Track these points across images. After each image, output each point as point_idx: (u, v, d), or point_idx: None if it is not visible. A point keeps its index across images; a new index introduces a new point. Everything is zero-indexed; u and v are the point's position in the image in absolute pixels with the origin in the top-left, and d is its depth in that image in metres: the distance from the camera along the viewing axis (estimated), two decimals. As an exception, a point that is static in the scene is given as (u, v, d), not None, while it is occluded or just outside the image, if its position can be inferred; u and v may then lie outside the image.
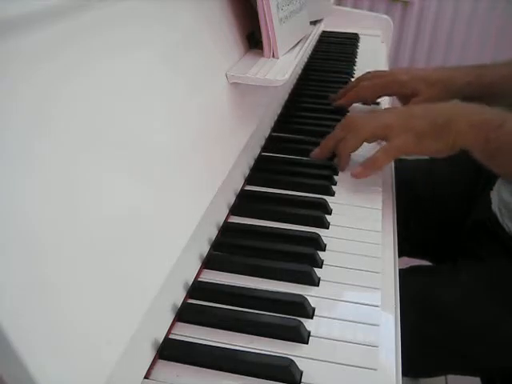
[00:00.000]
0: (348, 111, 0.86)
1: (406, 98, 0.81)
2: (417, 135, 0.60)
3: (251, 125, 0.62)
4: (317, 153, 0.69)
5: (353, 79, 1.00)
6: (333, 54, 1.16)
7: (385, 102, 0.91)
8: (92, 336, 0.29)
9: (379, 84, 0.82)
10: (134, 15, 0.41)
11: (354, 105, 0.87)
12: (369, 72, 0.87)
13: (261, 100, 0.68)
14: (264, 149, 0.72)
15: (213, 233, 0.52)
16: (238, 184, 0.61)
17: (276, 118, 0.81)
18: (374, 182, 0.65)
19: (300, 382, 0.37)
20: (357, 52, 1.19)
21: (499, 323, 0.65)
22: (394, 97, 0.87)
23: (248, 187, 0.63)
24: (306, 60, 1.09)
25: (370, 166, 0.62)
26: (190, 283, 0.45)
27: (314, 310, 0.44)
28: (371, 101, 0.87)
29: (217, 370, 0.38)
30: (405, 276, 0.54)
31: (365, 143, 0.65)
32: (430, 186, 0.90)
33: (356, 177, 0.63)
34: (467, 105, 0.63)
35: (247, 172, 0.64)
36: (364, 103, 0.88)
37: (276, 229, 0.54)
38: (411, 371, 0.72)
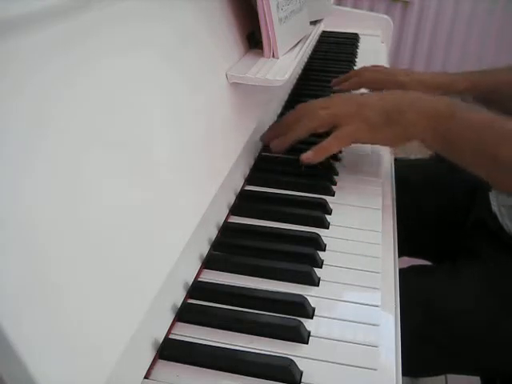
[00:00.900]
0: None
1: None
2: (368, 123, 0.60)
3: (251, 125, 0.62)
4: (265, 138, 0.69)
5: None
6: (333, 54, 1.16)
7: None
8: (92, 336, 0.29)
9: (380, 79, 0.83)
10: (134, 15, 0.41)
11: None
12: (375, 65, 0.87)
13: (261, 100, 0.68)
14: (264, 149, 0.72)
15: (213, 233, 0.52)
16: (238, 184, 0.61)
17: (276, 118, 0.81)
18: (374, 182, 0.65)
19: (300, 382, 0.37)
20: (357, 52, 1.19)
21: (499, 323, 0.65)
22: None
23: (248, 187, 0.63)
24: (306, 60, 1.09)
25: (321, 151, 0.62)
26: (190, 283, 0.45)
27: (314, 309, 0.44)
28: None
29: (217, 370, 0.38)
30: (405, 276, 0.54)
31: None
32: (430, 185, 0.90)
33: (305, 161, 0.62)
34: (419, 94, 0.62)
35: (247, 172, 0.64)
36: None
37: (276, 229, 0.54)
38: (411, 371, 0.72)
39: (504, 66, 0.82)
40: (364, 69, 0.88)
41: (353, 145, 0.71)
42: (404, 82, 0.80)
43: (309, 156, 0.62)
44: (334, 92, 0.91)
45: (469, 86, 0.78)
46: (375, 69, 0.86)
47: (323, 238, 0.53)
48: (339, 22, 1.32)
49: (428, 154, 0.99)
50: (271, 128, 0.68)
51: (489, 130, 0.57)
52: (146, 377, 0.37)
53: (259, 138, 0.69)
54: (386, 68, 0.90)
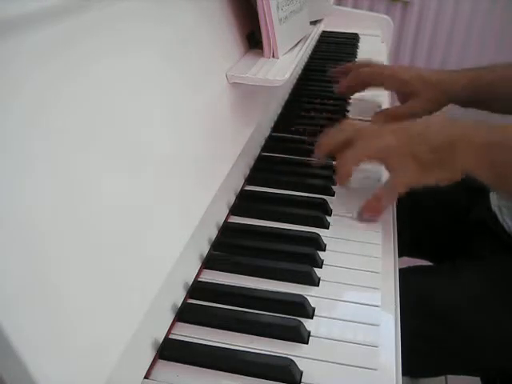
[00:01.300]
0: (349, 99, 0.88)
1: (404, 96, 0.81)
2: (420, 166, 0.56)
3: (251, 125, 0.62)
4: (316, 155, 0.64)
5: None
6: (333, 54, 1.16)
7: (385, 98, 0.91)
8: (92, 336, 0.29)
9: (379, 73, 0.82)
10: (134, 15, 0.41)
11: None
12: (372, 62, 0.87)
13: (261, 100, 0.68)
14: (264, 149, 0.72)
15: (213, 233, 0.52)
16: (238, 184, 0.61)
17: (276, 118, 0.81)
18: (374, 183, 0.65)
19: (300, 382, 0.37)
20: (357, 52, 1.19)
21: (499, 323, 0.65)
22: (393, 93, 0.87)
23: (248, 187, 0.62)
24: (306, 60, 1.09)
25: (376, 208, 0.58)
26: (190, 283, 0.45)
27: (314, 310, 0.44)
28: (365, 87, 0.86)
29: (217, 370, 0.38)
30: (405, 276, 0.54)
31: None
32: (430, 186, 0.89)
33: (362, 220, 0.58)
34: (466, 124, 0.58)
35: (247, 172, 0.64)
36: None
37: (276, 229, 0.54)
38: (411, 371, 0.72)
39: (504, 62, 0.82)
40: (359, 64, 0.86)
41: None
42: (405, 80, 0.80)
43: (365, 215, 0.58)
44: (333, 92, 0.91)
45: (467, 83, 0.78)
46: (373, 64, 0.86)
47: (323, 237, 0.53)
48: (339, 22, 1.32)
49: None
50: (319, 147, 0.63)
51: None
52: (146, 377, 0.37)
53: (311, 163, 0.65)
54: (384, 66, 0.90)
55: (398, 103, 0.85)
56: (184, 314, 0.42)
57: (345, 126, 0.64)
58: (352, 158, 0.59)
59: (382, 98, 0.91)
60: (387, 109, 0.86)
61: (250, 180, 0.64)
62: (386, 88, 0.87)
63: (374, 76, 0.83)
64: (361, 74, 0.84)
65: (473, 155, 0.55)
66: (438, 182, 0.57)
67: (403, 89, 0.81)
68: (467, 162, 0.55)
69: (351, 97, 0.91)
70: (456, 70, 0.82)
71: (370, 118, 0.81)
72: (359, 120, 0.83)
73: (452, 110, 0.83)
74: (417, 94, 0.79)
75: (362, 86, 0.86)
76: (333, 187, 0.63)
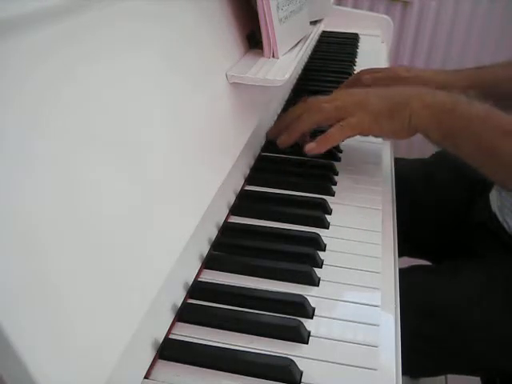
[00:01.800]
0: None
1: None
2: (373, 114, 0.60)
3: (251, 124, 0.62)
4: (270, 132, 0.70)
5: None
6: (333, 54, 1.16)
7: None
8: (92, 336, 0.29)
9: (380, 78, 0.83)
10: (134, 15, 0.41)
11: None
12: (372, 68, 0.87)
13: (261, 100, 0.68)
14: (264, 149, 0.72)
15: (213, 233, 0.52)
16: (238, 184, 0.61)
17: (276, 117, 0.81)
18: (374, 182, 0.65)
19: (300, 382, 0.37)
20: (357, 52, 1.19)
21: (499, 323, 0.65)
22: None
23: (248, 187, 0.62)
24: (306, 60, 1.09)
25: (324, 142, 0.62)
26: (190, 283, 0.45)
27: (314, 310, 0.44)
28: None
29: (217, 370, 0.38)
30: (405, 276, 0.54)
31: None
32: (430, 186, 0.90)
33: (309, 152, 0.63)
34: (422, 87, 0.63)
35: (247, 172, 0.64)
36: None
37: (276, 229, 0.54)
38: (411, 371, 0.72)
39: (503, 61, 0.82)
40: (362, 72, 0.87)
41: (353, 145, 0.71)
42: (406, 78, 0.80)
43: (313, 146, 0.62)
44: (334, 89, 0.91)
45: (466, 85, 0.78)
46: (373, 70, 0.86)
47: (323, 237, 0.53)
48: (339, 22, 1.32)
49: (428, 155, 0.99)
50: (276, 123, 0.69)
51: (488, 125, 0.57)
52: (146, 377, 0.37)
53: (265, 134, 0.69)
54: (383, 68, 0.90)
55: None
56: (184, 314, 0.42)
57: (302, 102, 0.67)
58: (306, 119, 0.63)
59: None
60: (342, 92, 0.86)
61: (250, 180, 0.64)
62: None
63: (376, 81, 0.83)
64: (363, 82, 0.84)
65: (422, 114, 0.59)
66: (388, 133, 0.61)
67: None
68: (417, 118, 0.59)
69: None
70: (455, 70, 0.82)
71: None
72: None
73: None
74: None
75: None
76: (333, 187, 0.63)
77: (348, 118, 0.61)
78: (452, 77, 0.80)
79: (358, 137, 0.69)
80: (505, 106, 0.81)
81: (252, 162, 0.67)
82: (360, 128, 0.61)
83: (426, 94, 0.60)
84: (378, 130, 0.62)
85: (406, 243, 0.71)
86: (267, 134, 0.70)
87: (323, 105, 0.63)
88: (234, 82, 0.56)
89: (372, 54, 1.18)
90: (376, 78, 0.83)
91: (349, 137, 0.63)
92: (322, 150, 0.63)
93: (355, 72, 1.06)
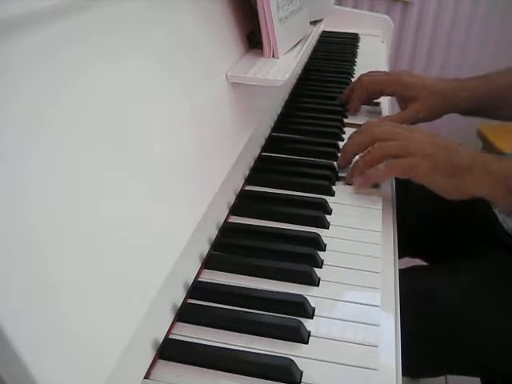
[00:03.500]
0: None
1: (405, 101, 0.81)
2: (434, 166, 0.57)
3: (251, 125, 0.62)
4: (341, 162, 0.67)
5: (353, 79, 1.00)
6: (333, 54, 1.16)
7: (384, 102, 0.91)
8: (92, 336, 0.29)
9: (381, 79, 0.83)
10: (134, 15, 0.41)
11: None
12: (373, 71, 0.87)
13: (261, 100, 0.68)
14: (264, 149, 0.72)
15: (213, 233, 0.52)
16: (238, 184, 0.61)
17: (276, 117, 0.81)
18: (373, 183, 0.65)
19: (300, 382, 0.37)
20: (357, 52, 1.19)
21: (499, 323, 0.65)
22: (393, 98, 0.87)
23: (248, 187, 0.62)
24: (306, 60, 1.09)
25: (371, 179, 0.61)
26: (190, 283, 0.45)
27: (314, 310, 0.44)
28: (372, 96, 0.87)
29: (217, 370, 0.38)
30: (405, 276, 0.54)
31: None
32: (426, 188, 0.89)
33: (353, 185, 0.62)
34: (487, 155, 0.61)
35: (247, 172, 0.64)
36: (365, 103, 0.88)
37: (276, 229, 0.54)
38: (411, 371, 0.72)
39: (503, 68, 0.82)
40: (361, 76, 0.87)
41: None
42: (407, 83, 0.80)
43: (358, 181, 0.61)
44: (334, 89, 0.91)
45: (468, 95, 0.79)
46: (374, 73, 0.86)
47: (323, 238, 0.53)
48: (339, 22, 1.32)
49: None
50: (344, 153, 0.66)
51: None
52: (146, 377, 0.37)
53: (337, 167, 0.67)
54: (386, 71, 0.91)
55: (397, 105, 0.85)
56: (184, 314, 0.42)
57: (366, 129, 0.64)
58: (372, 157, 0.60)
59: (382, 99, 0.91)
60: (388, 116, 0.86)
61: (250, 180, 0.64)
62: (387, 93, 0.87)
63: (374, 83, 0.83)
64: (363, 82, 0.84)
65: (487, 183, 0.57)
66: (441, 189, 0.58)
67: (404, 92, 0.81)
68: (479, 187, 0.57)
69: None
70: (457, 79, 0.82)
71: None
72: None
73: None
74: (417, 99, 0.79)
75: (368, 95, 0.86)
76: (333, 187, 0.63)
77: (408, 157, 0.58)
78: (452, 85, 0.80)
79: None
80: (506, 115, 0.82)
81: (252, 162, 0.67)
82: (413, 173, 0.58)
83: (491, 162, 0.58)
84: (433, 183, 0.58)
85: (406, 243, 0.71)
86: (339, 167, 0.67)
87: (398, 144, 0.59)
88: (234, 82, 0.56)
89: (372, 54, 1.18)
90: (376, 79, 0.83)
91: (397, 176, 0.60)
92: (366, 185, 0.61)
93: (355, 72, 1.06)
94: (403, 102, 0.82)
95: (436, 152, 0.58)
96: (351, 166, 0.65)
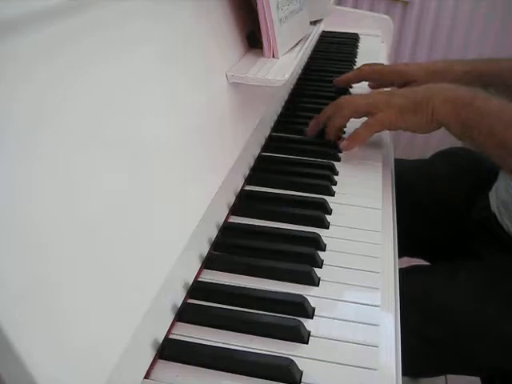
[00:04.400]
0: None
1: (403, 86, 0.82)
2: (398, 110, 0.65)
3: (251, 125, 0.62)
4: (309, 130, 0.75)
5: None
6: (333, 54, 1.16)
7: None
8: (92, 336, 0.29)
9: (378, 69, 0.86)
10: (134, 15, 0.41)
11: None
12: (375, 63, 0.90)
13: (261, 100, 0.68)
14: (264, 149, 0.72)
15: (213, 233, 0.52)
16: (238, 184, 0.60)
17: (276, 117, 0.81)
18: (373, 182, 0.65)
19: (300, 382, 0.37)
20: (357, 52, 1.19)
21: (499, 323, 0.65)
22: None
23: (248, 187, 0.62)
24: (306, 60, 1.09)
25: (355, 139, 0.68)
26: (190, 283, 0.45)
27: (314, 310, 0.44)
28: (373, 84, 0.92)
29: (217, 369, 0.38)
30: (405, 276, 0.54)
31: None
32: (430, 186, 0.90)
33: (344, 149, 0.69)
34: (443, 84, 0.67)
35: (247, 172, 0.64)
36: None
37: (276, 229, 0.54)
38: (411, 371, 0.72)
39: (504, 57, 0.83)
40: (363, 65, 0.90)
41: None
42: (404, 70, 0.82)
43: (345, 144, 0.69)
44: (335, 91, 0.92)
45: (470, 69, 0.80)
46: (374, 63, 0.89)
47: (323, 238, 0.53)
48: (339, 22, 1.32)
49: (428, 155, 0.99)
50: (312, 123, 0.75)
51: (500, 117, 0.60)
52: (145, 377, 0.37)
53: (306, 134, 0.75)
54: (383, 64, 0.93)
55: None
56: (184, 314, 0.42)
57: (335, 101, 0.73)
58: (339, 116, 0.70)
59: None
60: (369, 92, 0.88)
61: (250, 180, 0.64)
62: (386, 83, 0.88)
63: (373, 72, 0.86)
64: (360, 73, 0.86)
65: (443, 108, 0.63)
66: (411, 126, 0.66)
67: (402, 79, 0.83)
68: (438, 112, 0.63)
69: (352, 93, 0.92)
70: (456, 59, 0.84)
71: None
72: None
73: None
74: (415, 82, 0.80)
75: (359, 81, 0.91)
76: (333, 187, 0.63)
77: (375, 114, 0.66)
78: (450, 64, 0.82)
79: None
80: (507, 95, 0.82)
81: (252, 162, 0.67)
82: (388, 123, 0.66)
83: (447, 90, 0.64)
84: (404, 125, 0.66)
85: (406, 243, 0.71)
86: (306, 134, 0.75)
87: (352, 104, 0.69)
88: (234, 82, 0.56)
89: (372, 54, 1.18)
90: (375, 69, 0.86)
91: (377, 131, 0.68)
92: (354, 146, 0.69)
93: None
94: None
95: (396, 99, 0.66)
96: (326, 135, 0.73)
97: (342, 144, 0.69)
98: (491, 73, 0.80)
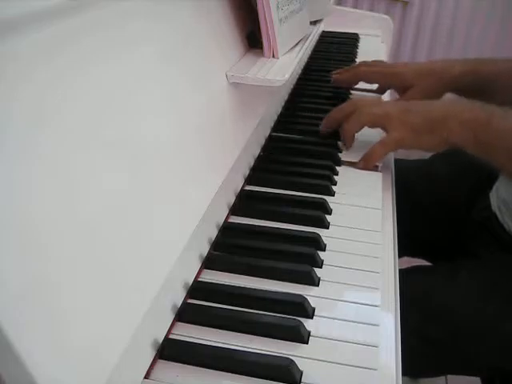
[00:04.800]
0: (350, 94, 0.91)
1: (402, 90, 0.82)
2: (413, 130, 0.64)
3: (251, 124, 0.62)
4: (323, 126, 0.75)
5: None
6: (333, 54, 1.16)
7: (385, 95, 0.92)
8: (92, 336, 0.29)
9: (376, 71, 0.85)
10: (134, 15, 0.41)
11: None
12: (375, 60, 0.89)
13: (261, 100, 0.68)
14: (264, 149, 0.71)
15: (213, 233, 0.52)
16: (238, 184, 0.60)
17: (276, 117, 0.81)
18: (373, 183, 0.65)
19: (300, 382, 0.37)
20: (357, 52, 1.19)
21: (499, 323, 0.65)
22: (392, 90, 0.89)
23: (248, 187, 0.62)
24: (306, 60, 1.09)
25: (372, 159, 0.67)
26: (190, 283, 0.45)
27: (314, 310, 0.44)
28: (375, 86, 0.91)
29: (217, 370, 0.38)
30: (405, 276, 0.54)
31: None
32: (430, 186, 0.90)
33: (360, 168, 0.68)
34: (459, 102, 0.66)
35: (247, 172, 0.64)
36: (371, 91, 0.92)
37: (276, 229, 0.54)
38: (411, 371, 0.72)
39: (503, 57, 0.83)
40: (361, 63, 0.89)
41: (353, 145, 0.72)
42: (401, 73, 0.82)
43: (361, 165, 0.68)
44: (334, 89, 0.92)
45: (468, 70, 0.79)
46: (372, 63, 0.88)
47: (323, 238, 0.53)
48: (339, 22, 1.32)
49: (428, 155, 0.99)
50: (325, 120, 0.74)
51: None
52: (145, 377, 0.37)
53: (320, 129, 0.75)
54: (383, 62, 0.91)
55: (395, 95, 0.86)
56: (184, 314, 0.42)
57: (350, 101, 0.73)
58: (356, 121, 0.69)
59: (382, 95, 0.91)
60: (386, 102, 0.87)
61: (250, 180, 0.64)
62: (384, 86, 0.88)
63: (371, 73, 0.85)
64: (358, 72, 0.86)
65: (459, 130, 0.62)
66: (425, 147, 0.66)
67: (399, 82, 0.82)
68: (453, 134, 0.62)
69: (352, 93, 0.92)
70: (458, 59, 0.83)
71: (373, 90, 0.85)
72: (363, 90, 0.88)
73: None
74: (412, 85, 0.80)
75: (357, 82, 0.90)
76: (333, 187, 0.63)
77: (390, 132, 0.65)
78: (448, 64, 0.81)
79: (357, 137, 0.71)
80: (504, 99, 0.81)
81: (252, 162, 0.67)
82: (402, 144, 0.65)
83: (463, 111, 0.63)
84: (418, 145, 0.65)
85: (406, 243, 0.71)
86: (321, 129, 0.75)
87: (370, 111, 0.68)
88: (234, 82, 0.56)
89: (372, 54, 1.18)
90: (372, 71, 0.85)
91: (392, 151, 0.68)
92: (370, 166, 0.68)
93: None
94: (401, 91, 0.83)
95: (412, 117, 0.65)
96: (342, 138, 0.72)
97: (359, 165, 0.68)
98: (489, 74, 0.79)
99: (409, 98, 0.80)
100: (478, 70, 0.79)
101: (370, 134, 0.70)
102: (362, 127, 0.69)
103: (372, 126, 0.68)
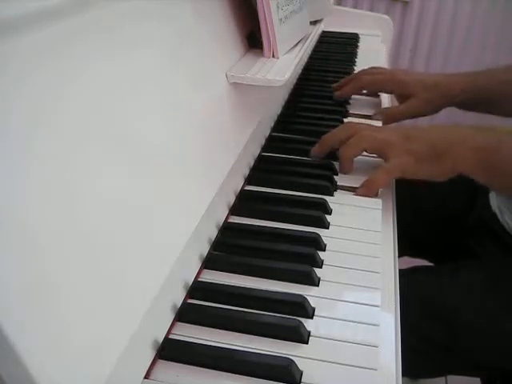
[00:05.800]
0: (349, 103, 0.90)
1: (403, 98, 0.82)
2: (416, 158, 0.60)
3: (251, 125, 0.62)
4: (316, 150, 0.69)
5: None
6: (333, 54, 1.16)
7: (384, 98, 0.92)
8: (92, 336, 0.29)
9: (379, 80, 0.84)
10: (134, 15, 0.41)
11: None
12: (373, 67, 0.88)
13: (261, 100, 0.68)
14: (264, 149, 0.71)
15: (213, 233, 0.52)
16: (238, 184, 0.60)
17: (276, 118, 0.81)
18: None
19: (300, 382, 0.37)
20: (357, 52, 1.19)
21: (499, 323, 0.65)
22: (393, 95, 0.88)
23: (248, 187, 0.62)
24: (306, 60, 1.09)
25: (371, 187, 0.62)
26: (190, 283, 0.45)
27: (314, 310, 0.44)
28: (369, 94, 0.90)
29: (217, 370, 0.38)
30: (405, 276, 0.54)
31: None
32: (431, 186, 0.89)
33: (361, 195, 0.63)
34: (465, 129, 0.63)
35: (247, 172, 0.64)
36: (365, 94, 0.91)
37: (276, 229, 0.54)
38: (411, 371, 0.72)
39: (503, 65, 0.83)
40: (362, 72, 0.89)
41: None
42: (403, 81, 0.81)
43: (361, 193, 0.62)
44: (334, 103, 0.91)
45: (467, 87, 0.79)
46: (373, 71, 0.87)
47: (323, 238, 0.53)
48: (339, 22, 1.32)
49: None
50: (320, 143, 0.69)
51: None
52: (145, 377, 0.37)
53: (310, 153, 0.69)
54: (384, 69, 0.91)
55: (397, 104, 0.85)
56: (184, 314, 0.42)
57: (347, 125, 0.68)
58: (356, 145, 0.64)
59: (382, 98, 0.91)
60: (387, 108, 0.87)
61: (250, 180, 0.64)
62: (386, 91, 0.88)
63: (373, 83, 0.85)
64: (360, 83, 0.86)
65: (467, 158, 0.59)
66: (429, 176, 0.61)
67: (401, 90, 0.82)
68: (460, 163, 0.59)
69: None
70: (455, 73, 0.83)
71: (370, 115, 0.83)
72: (360, 116, 0.84)
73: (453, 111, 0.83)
74: (414, 95, 0.79)
75: (361, 92, 0.89)
76: (333, 187, 0.63)
77: (391, 159, 0.61)
78: (449, 79, 0.81)
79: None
80: (503, 110, 0.82)
81: (252, 162, 0.67)
82: (404, 171, 0.61)
83: (468, 137, 0.60)
84: (420, 173, 0.61)
85: (406, 243, 0.71)
86: (312, 153, 0.69)
87: (369, 136, 0.63)
88: (234, 82, 0.56)
89: (372, 54, 1.18)
90: (375, 79, 0.84)
91: (395, 178, 0.64)
92: (372, 193, 0.62)
93: (355, 72, 1.06)
94: (401, 99, 0.83)
95: (413, 144, 0.61)
96: (340, 163, 0.66)
97: (359, 192, 0.62)
98: (490, 87, 0.79)
99: (409, 108, 0.80)
100: (476, 84, 0.79)
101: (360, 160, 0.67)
102: (362, 152, 0.64)
103: (371, 151, 0.64)
